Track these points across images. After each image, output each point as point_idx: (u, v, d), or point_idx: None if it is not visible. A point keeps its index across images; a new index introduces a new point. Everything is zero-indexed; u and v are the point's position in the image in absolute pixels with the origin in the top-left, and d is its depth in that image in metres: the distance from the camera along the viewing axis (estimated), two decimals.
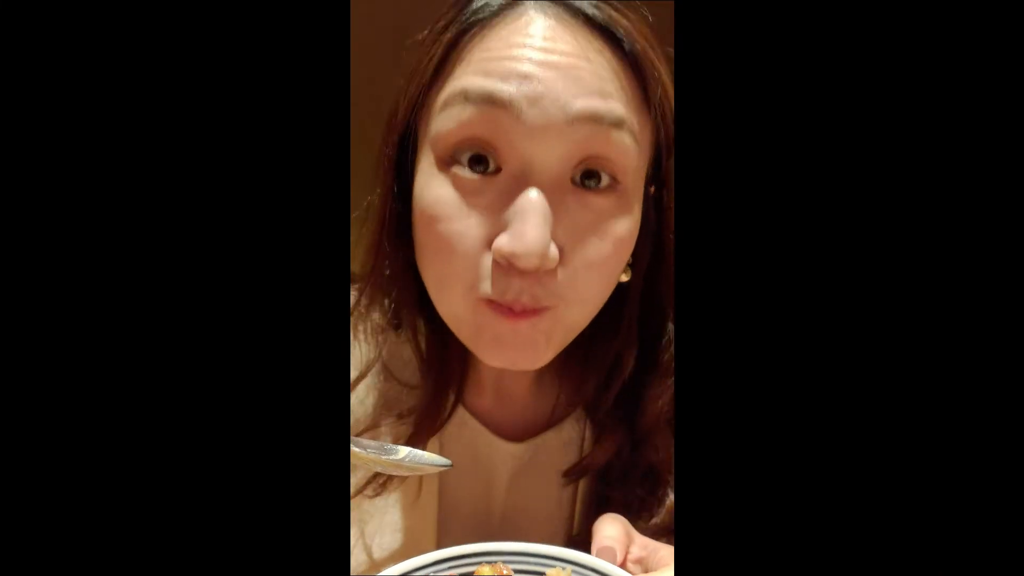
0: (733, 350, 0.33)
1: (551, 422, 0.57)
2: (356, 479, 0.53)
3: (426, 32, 0.46)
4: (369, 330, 0.55)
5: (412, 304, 0.51)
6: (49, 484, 0.31)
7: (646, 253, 0.49)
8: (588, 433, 0.56)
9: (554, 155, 0.41)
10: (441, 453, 0.53)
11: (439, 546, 0.52)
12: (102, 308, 0.32)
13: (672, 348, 0.52)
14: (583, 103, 0.41)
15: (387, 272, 0.50)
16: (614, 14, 0.43)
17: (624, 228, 0.44)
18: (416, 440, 0.53)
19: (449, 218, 0.42)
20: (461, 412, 0.55)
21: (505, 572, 0.41)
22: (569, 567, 0.42)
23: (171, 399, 0.32)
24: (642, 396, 0.53)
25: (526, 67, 0.40)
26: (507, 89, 0.40)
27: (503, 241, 0.41)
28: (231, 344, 0.32)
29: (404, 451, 0.40)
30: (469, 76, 0.42)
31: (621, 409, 0.53)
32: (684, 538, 0.33)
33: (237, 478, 0.32)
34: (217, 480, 0.32)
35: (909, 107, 0.32)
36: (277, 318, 0.32)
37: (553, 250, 0.41)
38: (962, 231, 0.32)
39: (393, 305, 0.53)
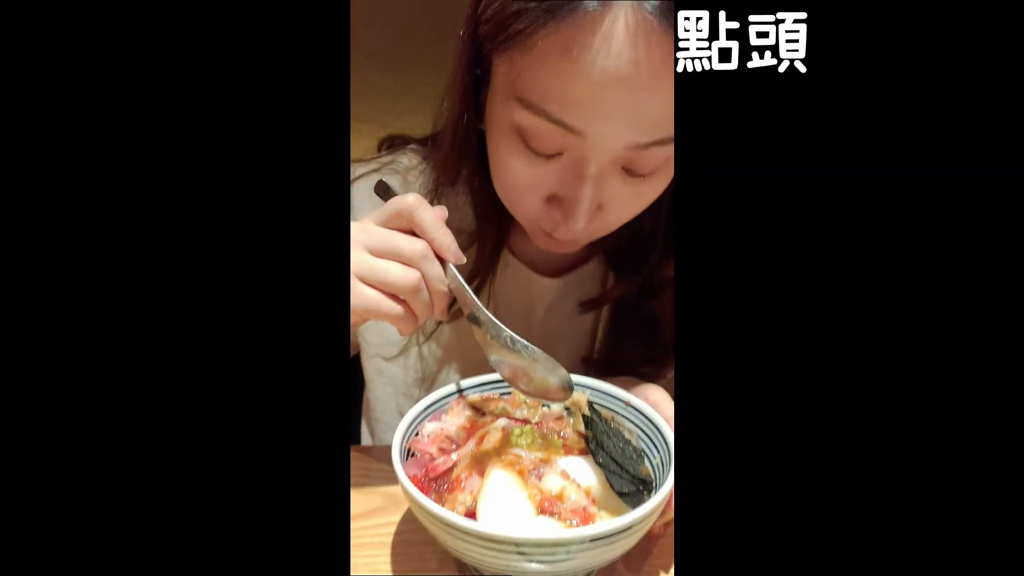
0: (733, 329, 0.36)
1: (583, 259, 0.69)
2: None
3: None
4: (426, 186, 0.65)
5: (474, 161, 0.60)
6: (48, 487, 0.33)
7: None
8: (611, 272, 0.68)
9: (608, 160, 0.49)
10: (489, 288, 0.66)
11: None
12: (91, 297, 0.34)
13: None
14: (644, 138, 0.48)
15: (457, 135, 0.58)
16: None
17: (660, 186, 0.54)
18: (469, 278, 0.64)
19: (515, 182, 0.54)
20: (506, 254, 0.67)
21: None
22: (588, 391, 0.56)
23: (166, 390, 0.34)
24: (660, 255, 0.64)
25: (604, 100, 0.45)
26: (581, 125, 0.47)
27: (555, 221, 0.53)
28: (231, 333, 0.34)
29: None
30: (553, 96, 0.46)
31: (637, 259, 0.65)
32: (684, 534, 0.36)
33: (236, 476, 0.34)
34: (215, 478, 0.34)
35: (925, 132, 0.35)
36: (275, 310, 0.35)
37: (590, 216, 0.52)
38: (958, 238, 0.35)
39: (456, 160, 0.61)
